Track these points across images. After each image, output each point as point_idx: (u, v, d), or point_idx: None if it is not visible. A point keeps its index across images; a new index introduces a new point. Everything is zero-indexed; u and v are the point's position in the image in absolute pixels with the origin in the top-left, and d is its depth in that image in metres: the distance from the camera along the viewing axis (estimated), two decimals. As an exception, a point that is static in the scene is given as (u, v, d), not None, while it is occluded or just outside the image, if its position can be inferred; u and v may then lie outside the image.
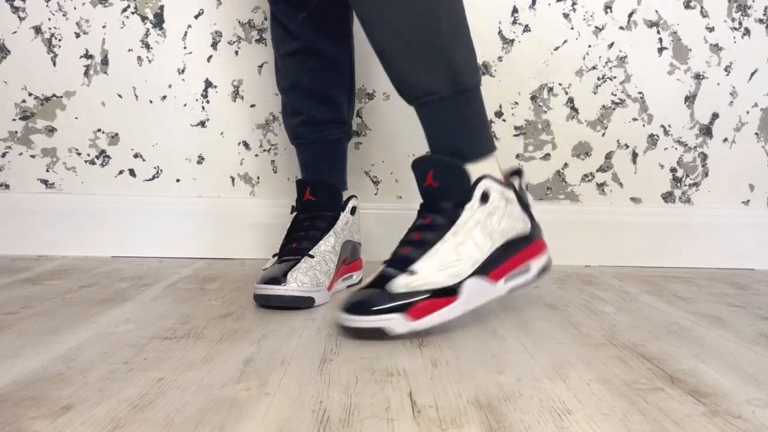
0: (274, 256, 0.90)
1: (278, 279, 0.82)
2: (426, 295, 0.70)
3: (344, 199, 0.98)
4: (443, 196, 0.75)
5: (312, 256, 0.87)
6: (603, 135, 1.23)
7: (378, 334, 0.69)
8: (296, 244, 0.89)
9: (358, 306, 0.70)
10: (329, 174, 0.97)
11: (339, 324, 0.71)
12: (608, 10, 1.20)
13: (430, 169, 0.75)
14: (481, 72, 0.81)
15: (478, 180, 0.74)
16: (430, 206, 0.76)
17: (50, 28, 1.16)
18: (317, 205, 0.93)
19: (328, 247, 0.90)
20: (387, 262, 0.74)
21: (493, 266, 0.75)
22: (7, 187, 1.19)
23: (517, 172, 0.82)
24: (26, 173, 1.19)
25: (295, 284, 0.83)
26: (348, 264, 0.97)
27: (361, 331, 0.70)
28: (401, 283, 0.70)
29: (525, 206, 0.80)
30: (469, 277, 0.72)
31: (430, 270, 0.71)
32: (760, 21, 1.21)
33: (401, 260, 0.73)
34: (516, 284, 0.77)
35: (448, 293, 0.71)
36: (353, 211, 0.97)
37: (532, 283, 0.81)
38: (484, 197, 0.74)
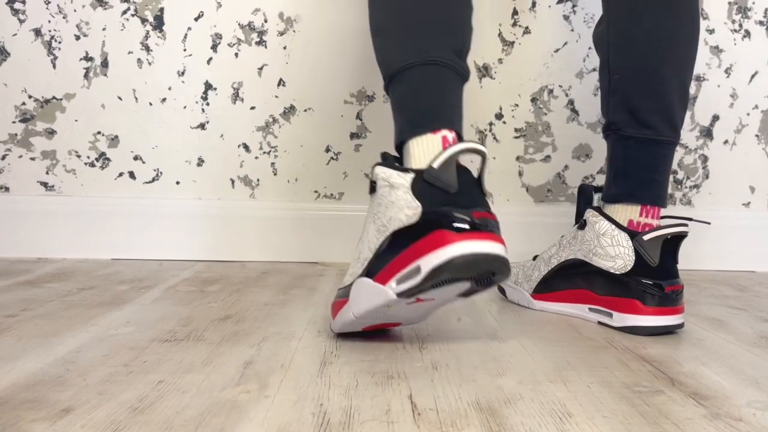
0: None
1: None
2: (339, 294, 0.67)
3: None
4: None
5: None
6: (603, 137, 1.22)
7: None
8: None
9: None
10: None
11: None
12: (608, 12, 1.20)
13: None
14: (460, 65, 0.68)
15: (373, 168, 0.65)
16: None
17: (50, 31, 1.16)
18: None
19: None
20: None
21: (379, 266, 0.62)
22: (6, 189, 1.19)
23: (479, 153, 0.63)
24: (26, 176, 1.19)
25: None
26: None
27: None
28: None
29: (432, 190, 0.61)
30: (359, 277, 0.65)
31: (351, 267, 0.67)
32: (761, 23, 1.21)
33: None
34: (406, 288, 0.60)
35: (346, 294, 0.66)
36: None
37: (452, 295, 0.64)
38: (373, 186, 0.65)
